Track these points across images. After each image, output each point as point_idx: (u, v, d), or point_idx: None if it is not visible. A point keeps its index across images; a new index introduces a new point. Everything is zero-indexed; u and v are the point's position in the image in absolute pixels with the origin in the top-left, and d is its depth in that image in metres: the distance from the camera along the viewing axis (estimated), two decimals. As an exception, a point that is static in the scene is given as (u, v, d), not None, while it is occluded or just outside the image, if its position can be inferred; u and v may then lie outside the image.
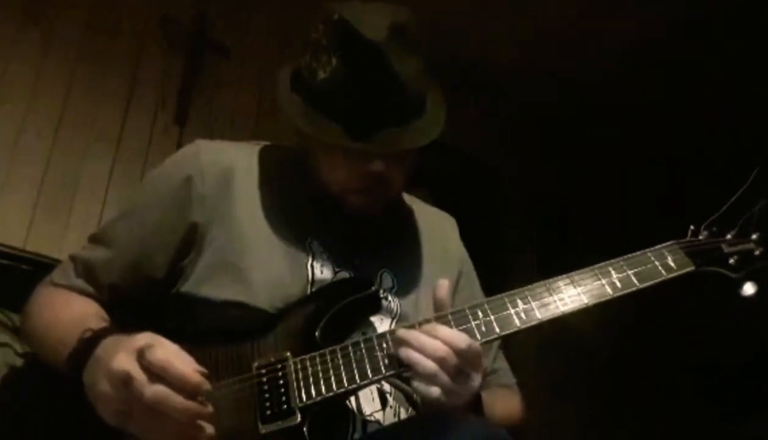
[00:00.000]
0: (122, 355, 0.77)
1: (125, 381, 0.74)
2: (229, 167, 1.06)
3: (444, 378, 0.81)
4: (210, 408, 0.78)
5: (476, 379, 0.85)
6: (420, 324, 0.88)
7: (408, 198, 1.24)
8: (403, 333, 0.86)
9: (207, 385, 0.77)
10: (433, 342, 0.83)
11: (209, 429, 0.77)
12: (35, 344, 1.02)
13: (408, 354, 0.83)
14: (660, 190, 3.85)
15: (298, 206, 1.07)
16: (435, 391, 0.81)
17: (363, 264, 1.05)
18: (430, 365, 0.82)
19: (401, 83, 0.97)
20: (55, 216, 2.13)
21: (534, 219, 3.61)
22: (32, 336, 1.02)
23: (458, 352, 0.83)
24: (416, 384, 0.83)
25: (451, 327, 0.88)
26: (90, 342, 0.85)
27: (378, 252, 1.09)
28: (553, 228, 3.65)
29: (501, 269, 3.05)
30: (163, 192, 1.05)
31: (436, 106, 1.05)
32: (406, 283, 1.09)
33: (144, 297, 1.04)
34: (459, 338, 0.84)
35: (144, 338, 0.79)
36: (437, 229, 1.22)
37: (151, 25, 2.55)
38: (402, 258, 1.12)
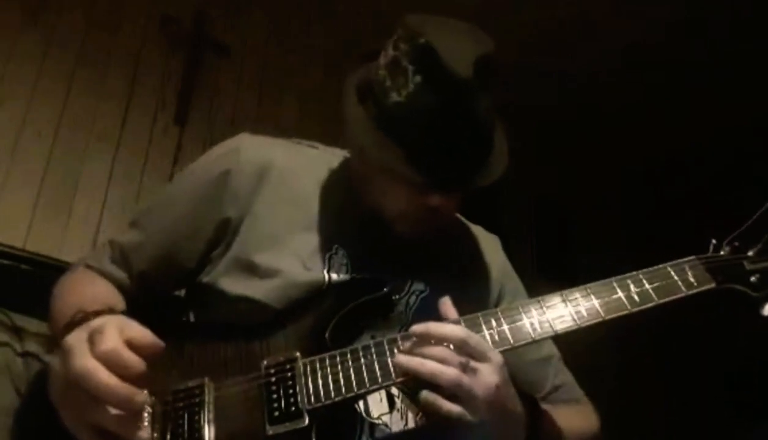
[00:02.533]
0: (76, 331, 0.76)
1: (66, 354, 0.73)
2: (268, 165, 1.05)
3: (452, 376, 0.79)
4: (142, 398, 0.73)
5: (489, 374, 0.81)
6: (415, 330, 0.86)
7: None
8: (405, 345, 0.85)
9: (141, 368, 0.74)
10: (430, 347, 0.82)
11: (142, 433, 0.74)
12: (51, 325, 1.02)
13: (409, 363, 0.82)
14: (659, 191, 3.86)
15: (332, 214, 1.05)
16: (449, 405, 0.79)
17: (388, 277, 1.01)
18: (434, 366, 0.80)
19: (478, 122, 0.94)
20: (55, 216, 2.13)
21: (533, 219, 3.61)
22: (50, 317, 1.01)
23: (459, 346, 0.81)
24: (431, 403, 0.80)
25: None
26: (72, 326, 0.81)
27: (412, 271, 1.05)
28: (552, 228, 3.65)
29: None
30: (200, 184, 1.05)
31: (500, 141, 1.02)
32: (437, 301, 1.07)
33: (173, 287, 1.05)
34: (454, 331, 0.83)
35: (102, 320, 0.77)
36: (479, 248, 1.19)
37: (151, 25, 2.55)
38: (438, 276, 1.07)
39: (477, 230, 1.24)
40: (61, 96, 2.27)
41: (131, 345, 0.75)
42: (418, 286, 1.04)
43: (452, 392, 0.80)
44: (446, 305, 0.90)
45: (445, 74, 0.90)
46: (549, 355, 1.13)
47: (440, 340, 0.82)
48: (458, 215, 1.22)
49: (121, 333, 0.75)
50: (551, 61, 3.21)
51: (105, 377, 0.71)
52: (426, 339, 0.83)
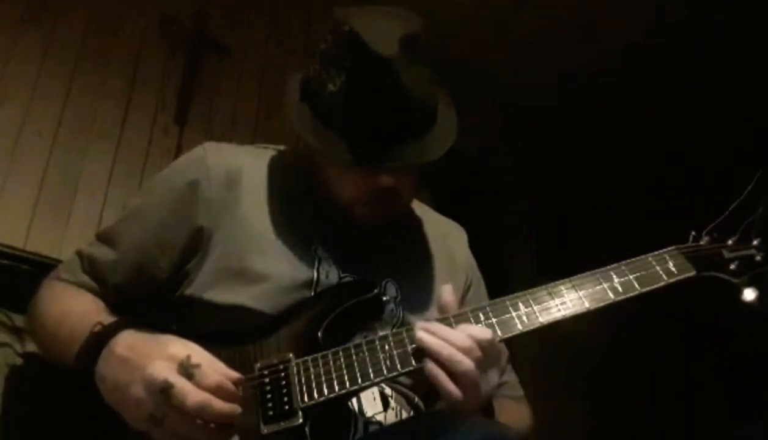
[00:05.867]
0: (160, 363, 0.79)
1: (164, 389, 0.76)
2: (236, 171, 1.05)
3: (467, 367, 0.81)
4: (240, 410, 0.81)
5: (493, 378, 0.86)
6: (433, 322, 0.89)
7: (417, 206, 1.22)
8: (425, 324, 0.87)
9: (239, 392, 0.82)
10: (458, 333, 0.84)
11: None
12: (44, 338, 1.02)
13: (432, 341, 0.84)
14: (659, 190, 3.86)
15: (304, 212, 1.07)
16: (452, 387, 0.81)
17: (367, 273, 1.04)
18: (455, 353, 0.82)
19: (412, 99, 0.95)
20: (55, 216, 2.13)
21: (533, 219, 3.61)
22: (41, 330, 1.02)
23: (482, 345, 0.83)
24: (435, 375, 0.82)
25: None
26: (101, 336, 0.86)
27: (383, 262, 1.08)
28: (552, 228, 3.66)
29: (500, 270, 3.05)
30: (169, 195, 1.05)
31: (447, 116, 1.04)
32: (411, 293, 1.08)
33: (148, 298, 1.04)
34: (482, 331, 0.85)
35: (178, 346, 0.82)
36: (445, 239, 1.21)
37: (151, 25, 2.55)
38: (407, 267, 1.11)
39: (445, 221, 1.26)
40: (61, 96, 2.26)
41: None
42: (393, 283, 1.07)
43: (460, 379, 0.82)
44: (447, 294, 0.91)
45: (370, 56, 0.92)
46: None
47: (467, 333, 0.84)
48: (425, 206, 1.24)
49: (211, 366, 0.81)
50: (551, 61, 3.21)
51: (224, 407, 0.78)
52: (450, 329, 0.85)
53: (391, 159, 0.96)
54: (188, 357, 0.79)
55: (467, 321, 0.89)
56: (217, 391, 0.78)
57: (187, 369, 0.79)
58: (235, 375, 0.82)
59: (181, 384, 0.77)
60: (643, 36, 3.04)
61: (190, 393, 0.76)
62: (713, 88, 3.23)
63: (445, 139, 1.00)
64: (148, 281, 1.03)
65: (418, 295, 1.09)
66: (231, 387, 0.80)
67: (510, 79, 3.34)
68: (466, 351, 0.82)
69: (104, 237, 1.08)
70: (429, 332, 0.85)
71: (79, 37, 2.36)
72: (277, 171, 1.10)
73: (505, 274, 3.09)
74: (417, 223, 1.20)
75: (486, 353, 0.83)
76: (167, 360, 0.79)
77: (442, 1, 2.84)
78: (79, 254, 1.07)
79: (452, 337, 0.83)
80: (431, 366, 0.83)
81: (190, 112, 2.52)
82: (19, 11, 2.25)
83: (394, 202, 1.02)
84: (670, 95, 3.32)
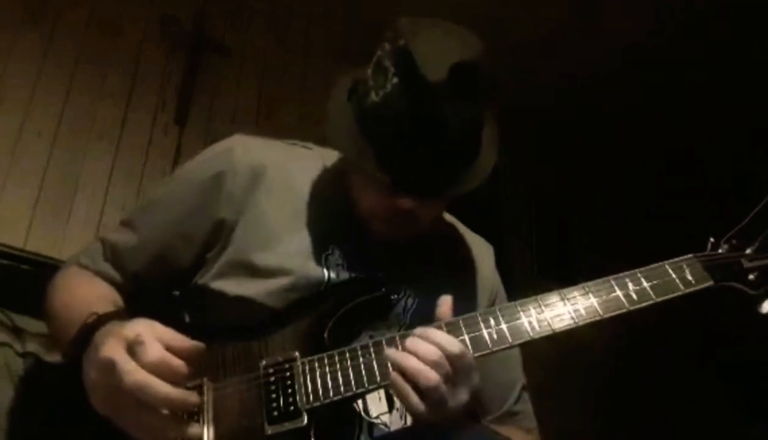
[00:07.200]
0: (110, 343, 0.77)
1: (107, 367, 0.75)
2: (262, 166, 1.05)
3: (431, 382, 0.79)
4: (195, 398, 0.78)
5: (463, 393, 0.82)
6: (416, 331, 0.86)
7: (449, 219, 1.20)
8: (402, 343, 0.85)
9: (185, 370, 0.77)
10: (428, 346, 0.81)
11: (195, 427, 0.78)
12: (53, 326, 1.02)
13: (396, 355, 0.82)
14: (659, 191, 3.86)
15: (325, 213, 1.06)
16: (416, 401, 0.79)
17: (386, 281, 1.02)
18: (420, 367, 0.80)
19: (450, 130, 0.92)
20: (55, 216, 2.13)
21: (533, 219, 3.61)
22: (53, 319, 1.02)
23: (451, 358, 0.81)
24: (399, 388, 0.81)
25: (462, 333, 0.86)
26: (90, 327, 0.85)
27: (402, 271, 1.06)
28: (552, 228, 3.66)
29: (500, 269, 3.04)
30: (194, 186, 1.05)
31: (489, 150, 1.00)
32: (428, 305, 1.03)
33: (168, 287, 1.04)
34: (452, 344, 0.82)
35: (135, 325, 0.79)
36: (472, 254, 1.19)
37: (151, 25, 2.55)
38: (428, 279, 1.07)
39: (473, 238, 1.23)
40: (61, 96, 2.27)
41: (170, 350, 0.77)
42: (410, 294, 1.04)
43: (426, 394, 0.79)
44: (446, 305, 0.89)
45: (417, 78, 0.90)
46: (514, 380, 1.13)
47: (437, 345, 0.81)
48: (455, 220, 1.22)
49: (160, 341, 0.77)
50: (551, 60, 3.21)
51: (163, 388, 0.74)
52: (424, 340, 0.83)
53: (413, 186, 0.94)
54: (137, 336, 0.77)
55: (476, 325, 0.87)
56: (159, 367, 0.75)
57: (132, 348, 0.76)
58: (186, 345, 0.79)
59: (122, 363, 0.74)
60: (643, 36, 3.03)
61: (130, 372, 0.74)
62: (713, 88, 3.23)
63: (473, 179, 0.97)
64: (169, 269, 1.04)
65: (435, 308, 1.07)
66: (175, 362, 0.76)
67: (510, 79, 3.33)
68: (433, 366, 0.80)
69: (128, 223, 1.08)
70: (397, 348, 0.84)
71: (79, 37, 2.36)
72: (304, 170, 1.10)
73: (505, 274, 3.08)
74: (444, 236, 1.18)
75: (456, 367, 0.81)
76: (118, 341, 0.77)
77: (442, 1, 2.84)
78: (103, 241, 1.07)
79: (421, 350, 0.81)
80: (395, 379, 0.81)
81: (190, 112, 2.52)
82: (19, 11, 2.25)
83: (411, 223, 1.00)
84: (670, 95, 3.32)
